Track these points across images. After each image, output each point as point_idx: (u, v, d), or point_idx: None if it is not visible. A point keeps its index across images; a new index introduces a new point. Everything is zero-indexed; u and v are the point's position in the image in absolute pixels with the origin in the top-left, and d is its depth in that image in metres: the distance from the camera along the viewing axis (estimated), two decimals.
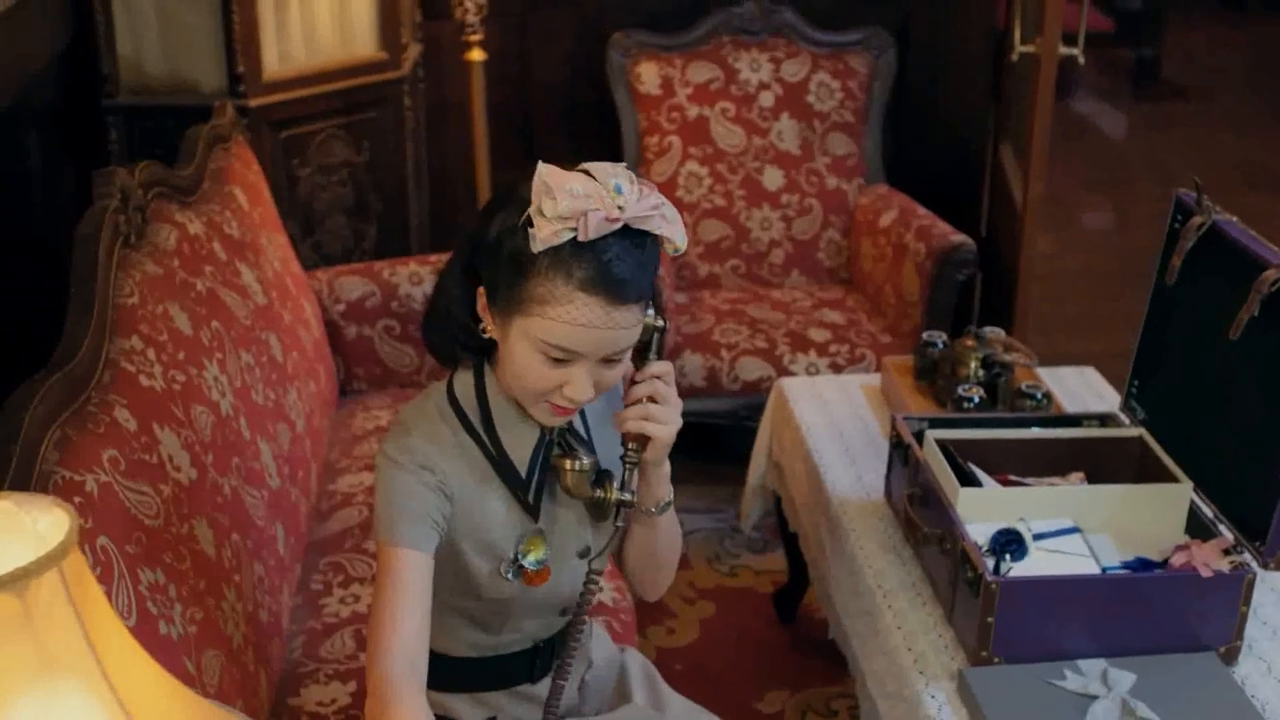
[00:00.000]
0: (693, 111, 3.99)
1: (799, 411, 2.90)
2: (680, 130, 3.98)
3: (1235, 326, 2.11)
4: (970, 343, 2.76)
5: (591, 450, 1.82)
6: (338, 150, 3.60)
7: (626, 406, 1.76)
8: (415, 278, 3.25)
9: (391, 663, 1.65)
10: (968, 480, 2.27)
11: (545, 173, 1.59)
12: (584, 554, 1.85)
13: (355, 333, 3.22)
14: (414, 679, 1.66)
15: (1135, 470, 2.36)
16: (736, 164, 3.99)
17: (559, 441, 1.80)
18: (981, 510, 2.21)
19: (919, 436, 2.39)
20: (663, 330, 1.76)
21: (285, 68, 3.43)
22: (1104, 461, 2.37)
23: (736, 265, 4.01)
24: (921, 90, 4.33)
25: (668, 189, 3.97)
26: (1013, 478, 2.34)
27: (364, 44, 3.62)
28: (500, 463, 1.76)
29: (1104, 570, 2.16)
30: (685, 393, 3.56)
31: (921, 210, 3.81)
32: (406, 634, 1.67)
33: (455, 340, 1.75)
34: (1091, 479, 2.35)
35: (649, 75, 4.00)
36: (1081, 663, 2.04)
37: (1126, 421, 2.48)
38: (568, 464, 1.78)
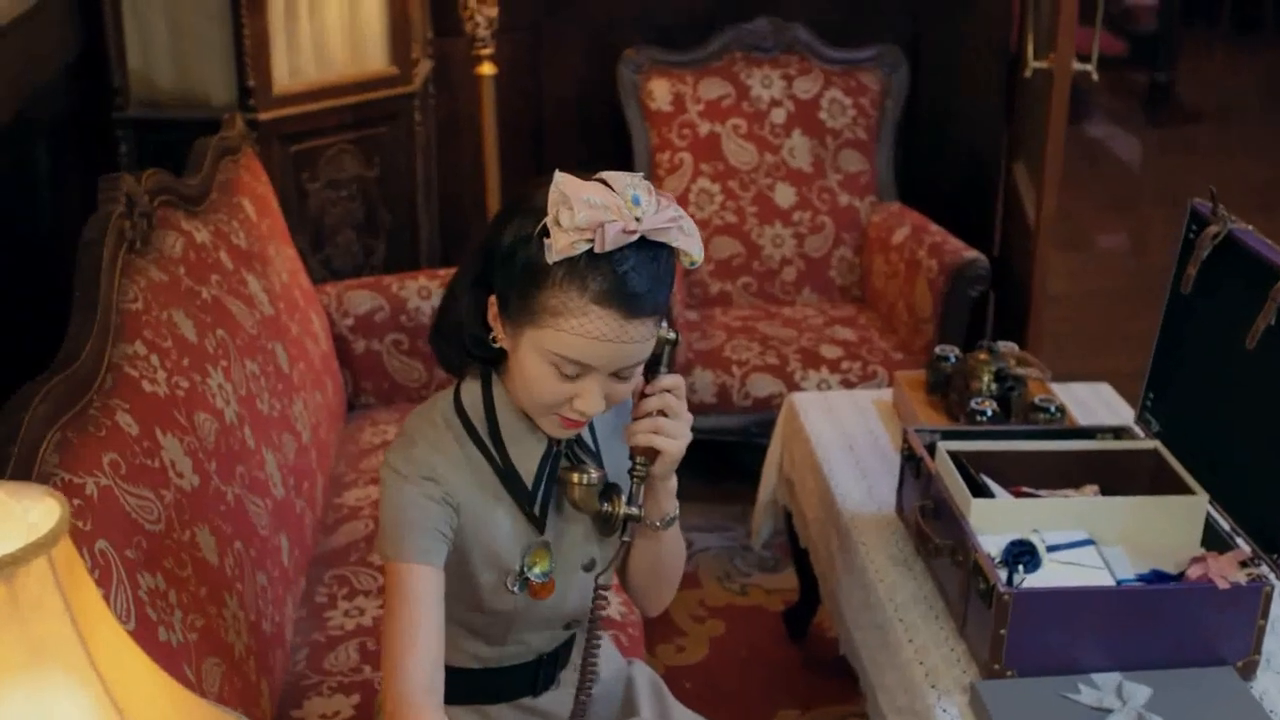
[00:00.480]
0: (704, 128, 3.98)
1: (810, 426, 2.87)
2: (692, 146, 3.97)
3: (1252, 335, 2.08)
4: (983, 356, 2.73)
5: (600, 463, 1.80)
6: (348, 165, 3.59)
7: (636, 420, 1.73)
8: (424, 292, 3.23)
9: (410, 683, 1.62)
10: (980, 491, 2.24)
11: (562, 182, 1.56)
12: (589, 567, 1.82)
13: (364, 347, 3.21)
14: (433, 698, 1.63)
15: (1150, 483, 2.32)
16: (748, 181, 3.98)
17: (567, 454, 1.78)
18: (994, 522, 2.18)
19: (931, 449, 2.36)
20: (674, 343, 1.74)
21: (296, 82, 3.43)
22: (1118, 474, 2.34)
23: (748, 283, 3.99)
24: (934, 108, 4.31)
25: (679, 205, 3.94)
26: (1026, 489, 2.31)
27: (375, 59, 3.61)
28: (507, 474, 1.73)
29: (1119, 583, 2.13)
30: (696, 409, 3.54)
31: (934, 227, 3.79)
32: (423, 652, 1.64)
33: (464, 349, 1.72)
34: (1106, 492, 2.32)
35: (660, 91, 3.99)
36: (1096, 676, 2.01)
37: (1141, 434, 2.45)
38: (575, 477, 1.75)
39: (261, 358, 2.48)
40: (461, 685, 1.84)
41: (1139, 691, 1.97)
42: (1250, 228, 2.22)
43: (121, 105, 3.29)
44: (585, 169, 1.63)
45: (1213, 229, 2.23)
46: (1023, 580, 2.06)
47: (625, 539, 1.76)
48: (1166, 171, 6.93)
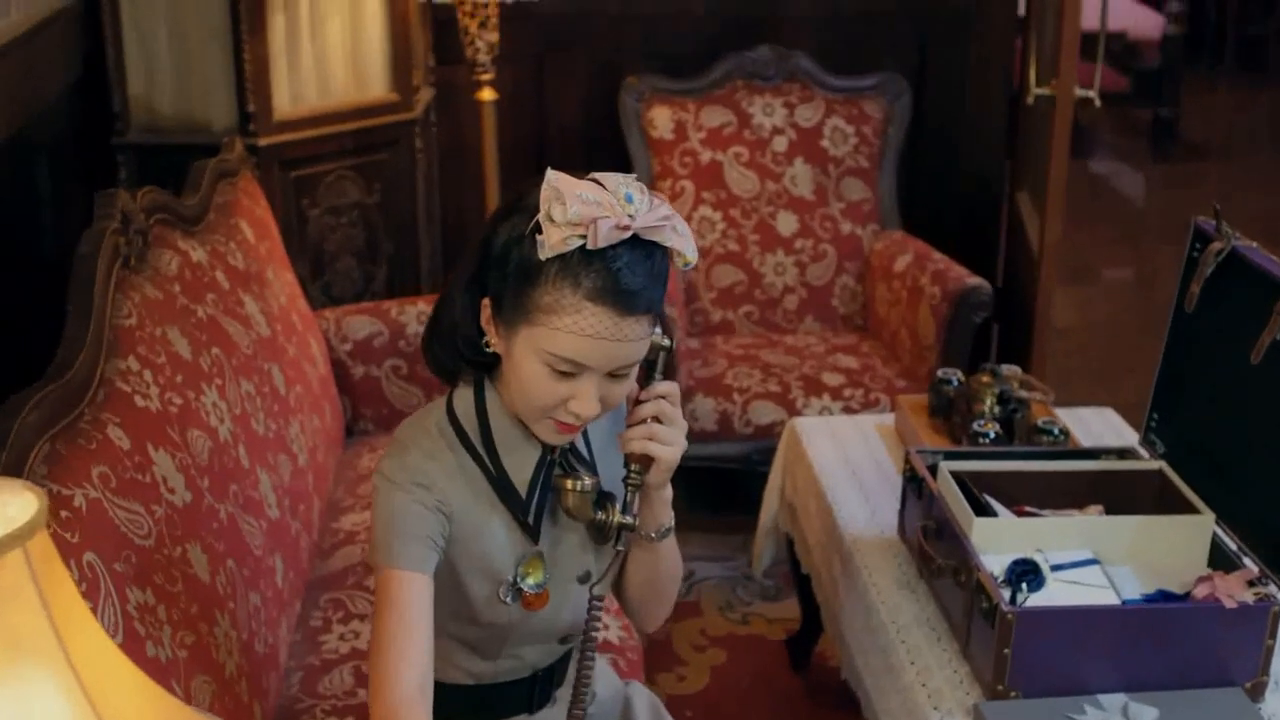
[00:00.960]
0: (706, 156, 3.97)
1: (812, 450, 2.85)
2: (693, 174, 3.96)
3: (1257, 351, 2.06)
4: (986, 379, 2.71)
5: (594, 471, 1.77)
6: (348, 191, 3.58)
7: (630, 426, 1.71)
8: (424, 317, 3.20)
9: (398, 694, 1.59)
10: (983, 511, 2.21)
11: (555, 179, 1.55)
12: (584, 579, 1.79)
13: (362, 372, 3.18)
14: (420, 706, 1.60)
15: (1155, 503, 2.30)
16: (750, 209, 3.97)
17: (561, 462, 1.75)
18: (997, 541, 2.15)
19: (933, 470, 2.34)
20: (669, 349, 1.72)
21: (297, 107, 3.42)
22: (1123, 494, 2.31)
23: (750, 311, 3.97)
24: (937, 137, 4.30)
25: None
26: (1029, 509, 2.28)
27: (376, 85, 3.61)
28: (500, 482, 1.71)
29: (1124, 602, 2.09)
30: (697, 437, 3.53)
31: (937, 254, 3.77)
32: (411, 663, 1.61)
33: (458, 354, 1.70)
34: (1110, 512, 2.29)
35: (662, 119, 3.98)
36: (1102, 697, 1.97)
37: (1146, 456, 2.42)
38: (569, 484, 1.72)
39: (257, 378, 2.46)
40: (456, 702, 1.81)
41: (1145, 713, 1.94)
42: (1254, 244, 2.20)
43: (122, 130, 3.28)
44: None
45: (1216, 246, 2.22)
46: (1026, 599, 2.03)
47: (619, 549, 1.73)
48: (1171, 206, 6.92)
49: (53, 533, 1.60)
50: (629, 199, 1.56)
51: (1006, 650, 1.96)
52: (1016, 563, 2.08)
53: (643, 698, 2.05)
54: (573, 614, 1.79)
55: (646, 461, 1.70)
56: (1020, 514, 2.27)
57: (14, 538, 0.98)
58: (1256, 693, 2.01)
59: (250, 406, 2.37)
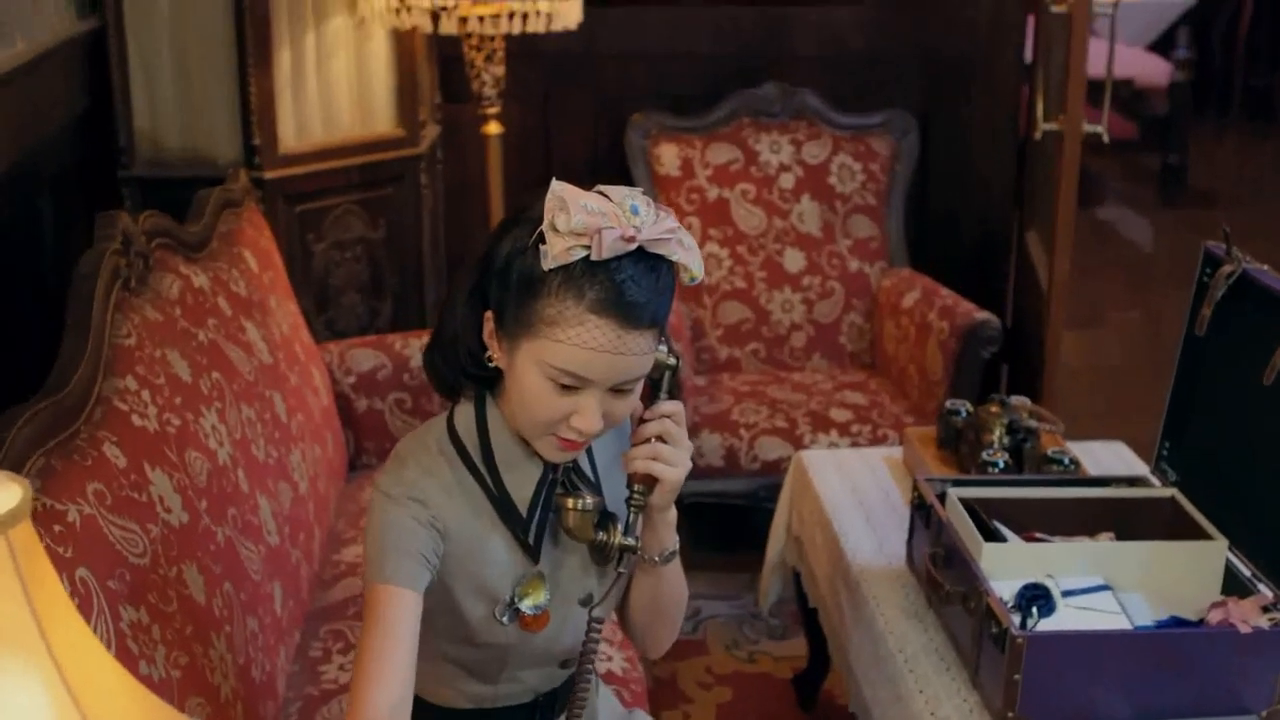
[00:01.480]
0: (712, 193, 3.96)
1: (819, 482, 2.81)
2: (700, 211, 3.95)
3: (1270, 371, 2.03)
4: (995, 409, 2.68)
5: (598, 492, 1.74)
6: (354, 226, 3.58)
7: (634, 446, 1.68)
8: None
9: (372, 709, 1.55)
10: (992, 537, 2.18)
11: (559, 189, 1.53)
12: (586, 602, 1.75)
13: (366, 405, 3.16)
14: None
15: (1167, 531, 2.26)
16: (757, 246, 3.95)
17: (564, 481, 1.72)
18: (1007, 567, 2.11)
19: (942, 499, 2.30)
20: (675, 368, 1.69)
21: (302, 141, 3.41)
22: (1135, 522, 2.28)
23: (757, 349, 3.95)
24: (945, 175, 4.30)
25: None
26: (1039, 535, 2.24)
27: (382, 120, 3.61)
28: (500, 500, 1.68)
29: (1136, 628, 2.05)
30: (703, 473, 3.50)
31: (945, 290, 3.75)
32: (386, 683, 1.57)
33: (460, 368, 1.67)
34: (1122, 540, 2.25)
35: (668, 156, 3.97)
36: None
37: (1157, 484, 2.39)
38: (570, 503, 1.69)
39: (259, 404, 2.44)
40: None
41: None
42: (1265, 267, 2.17)
43: (127, 163, 3.27)
44: None
45: (1227, 268, 2.19)
46: (1036, 624, 1.99)
47: (621, 570, 1.70)
48: (1180, 252, 6.89)
49: (45, 546, 1.57)
50: (634, 210, 1.54)
51: (1016, 676, 1.92)
52: (1027, 587, 2.04)
53: None
54: (573, 637, 1.75)
55: (650, 482, 1.67)
56: (1030, 540, 2.23)
57: None
58: None
59: (251, 432, 2.35)
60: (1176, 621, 2.07)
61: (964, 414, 2.75)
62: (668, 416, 1.67)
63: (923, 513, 2.34)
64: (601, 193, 1.55)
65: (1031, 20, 4.31)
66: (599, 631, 1.71)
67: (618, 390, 1.58)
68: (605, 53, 4.15)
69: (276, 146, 3.33)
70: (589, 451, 1.77)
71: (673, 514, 1.74)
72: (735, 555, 3.66)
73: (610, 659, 2.43)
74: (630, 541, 1.68)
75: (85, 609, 1.59)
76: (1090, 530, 2.28)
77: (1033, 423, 2.65)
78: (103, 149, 3.26)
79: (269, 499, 2.34)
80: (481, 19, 3.35)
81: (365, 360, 3.18)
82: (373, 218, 3.62)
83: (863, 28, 4.19)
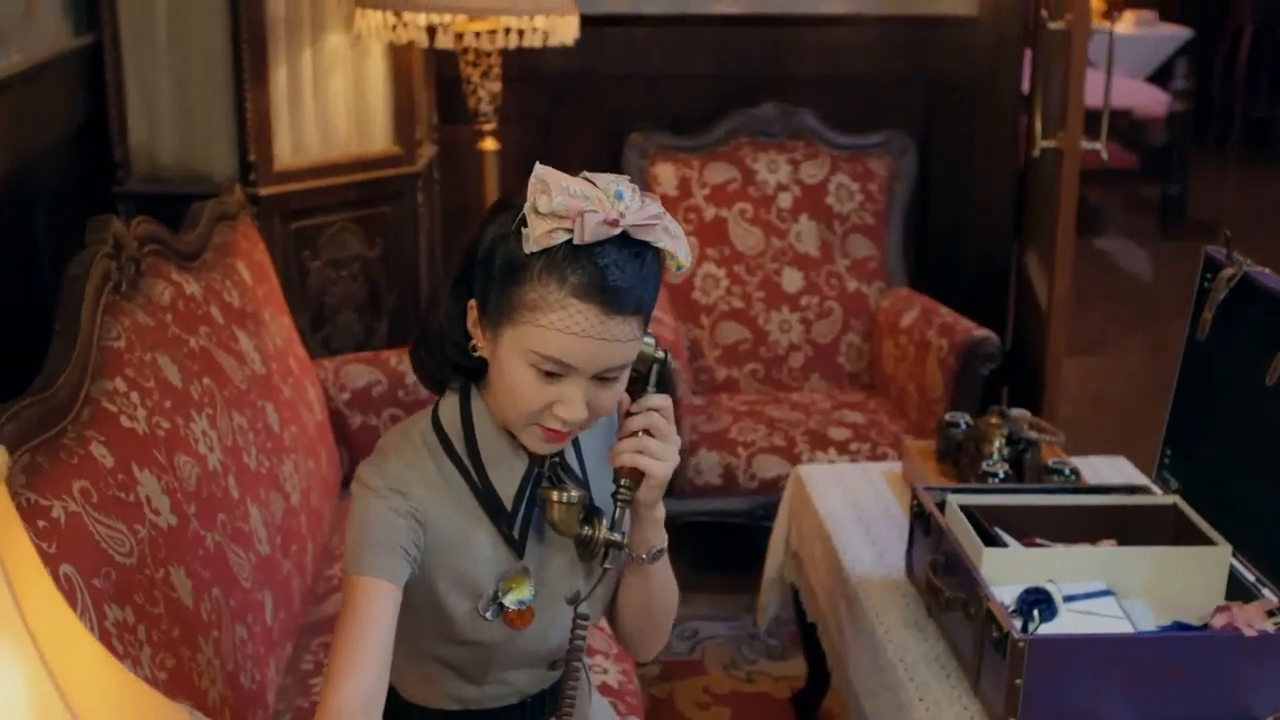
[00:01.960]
0: (710, 212, 3.95)
1: (818, 496, 2.79)
2: (698, 231, 3.93)
3: (1272, 371, 2.00)
4: (995, 420, 2.65)
5: (584, 487, 1.71)
6: (350, 244, 3.56)
7: (620, 439, 1.65)
8: None
9: (343, 700, 1.52)
10: (993, 543, 2.15)
11: (542, 172, 1.51)
12: (574, 601, 1.72)
13: (360, 422, 3.13)
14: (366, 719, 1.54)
15: (1170, 538, 2.23)
16: (755, 265, 3.93)
17: (550, 476, 1.69)
18: (1007, 572, 2.08)
19: (941, 506, 2.28)
20: (663, 362, 1.67)
21: (298, 158, 3.40)
22: (1137, 530, 2.25)
23: (755, 369, 3.92)
24: (943, 195, 4.29)
25: (684, 290, 3.91)
26: (1040, 541, 2.21)
27: (379, 138, 3.59)
28: (485, 494, 1.65)
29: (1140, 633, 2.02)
30: (700, 491, 3.48)
31: (944, 309, 3.73)
32: (358, 674, 1.53)
33: (446, 360, 1.65)
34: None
35: (666, 176, 3.96)
36: None
37: (1159, 493, 2.36)
38: (555, 495, 1.65)
39: (250, 413, 2.41)
40: None
41: None
42: (1266, 270, 2.16)
43: (122, 178, 3.26)
44: None
45: (1228, 271, 2.18)
46: (1038, 627, 1.96)
47: (606, 566, 1.66)
48: (1180, 281, 6.87)
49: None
50: (619, 196, 1.51)
51: (1018, 681, 1.88)
52: (1028, 591, 2.01)
53: None
54: (560, 637, 1.71)
55: (637, 476, 1.64)
56: (1031, 546, 2.20)
57: None
58: None
59: (242, 440, 2.32)
60: (1180, 627, 2.04)
61: (963, 426, 2.72)
62: (655, 410, 1.64)
63: (922, 521, 2.31)
64: (587, 178, 1.53)
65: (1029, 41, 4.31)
66: (585, 629, 1.67)
67: (602, 379, 1.56)
68: (604, 73, 4.14)
69: (273, 163, 3.31)
70: (577, 447, 1.74)
71: (661, 511, 1.71)
72: (733, 576, 3.63)
73: (606, 671, 2.40)
74: (616, 537, 1.65)
75: (69, 605, 1.56)
76: (1092, 538, 2.26)
77: (1033, 434, 2.62)
78: (98, 164, 3.24)
79: (260, 507, 2.31)
80: (478, 34, 3.35)
81: (360, 376, 3.15)
82: (369, 236, 3.60)
83: (862, 48, 4.19)
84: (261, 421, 2.46)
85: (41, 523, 1.60)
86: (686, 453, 3.47)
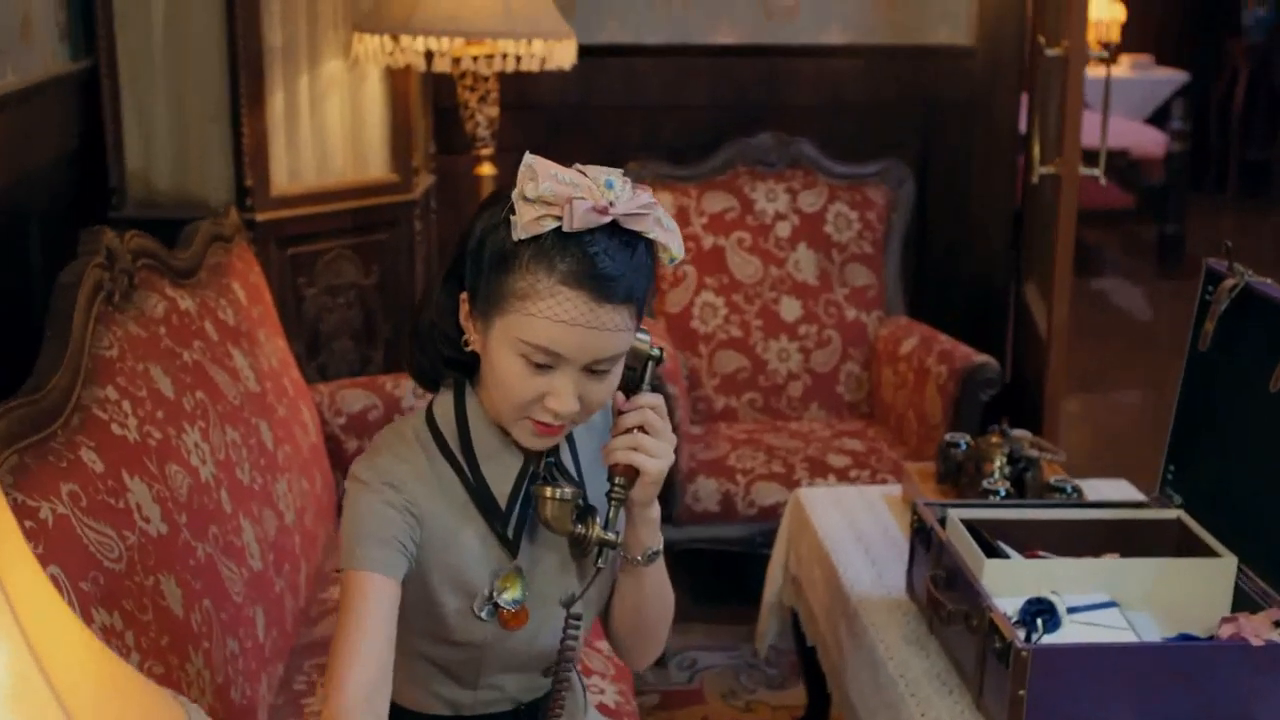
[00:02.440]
0: (708, 241, 3.93)
1: (817, 518, 2.76)
2: (696, 259, 3.92)
3: (1275, 379, 1.98)
4: (995, 439, 2.63)
5: (577, 484, 1.69)
6: (346, 271, 3.54)
7: (614, 437, 1.63)
8: (419, 391, 3.14)
9: (347, 697, 1.50)
10: (995, 555, 2.12)
11: (532, 160, 1.51)
12: (568, 603, 1.69)
13: (356, 446, 3.11)
14: (370, 714, 1.51)
15: (1174, 552, 2.20)
16: (753, 294, 3.92)
17: (544, 474, 1.67)
18: (1009, 584, 2.05)
19: (942, 522, 2.25)
20: (657, 360, 1.65)
21: (294, 184, 3.39)
22: (1141, 543, 2.22)
23: (753, 398, 3.90)
24: (941, 223, 4.28)
25: (683, 319, 3.89)
26: (1043, 553, 2.18)
27: (376, 165, 3.58)
28: (478, 492, 1.63)
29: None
30: (699, 518, 3.45)
31: (943, 336, 3.71)
32: (360, 669, 1.51)
33: (439, 355, 1.64)
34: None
35: (664, 205, 3.92)
36: None
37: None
38: (548, 492, 1.63)
39: (244, 429, 2.39)
40: None
41: None
42: (1268, 280, 2.14)
43: (118, 204, 3.25)
44: None
45: (1230, 282, 2.16)
46: (1041, 637, 1.93)
47: (600, 565, 1.64)
48: (1179, 320, 6.86)
49: None
50: (609, 185, 1.51)
51: (1021, 692, 1.85)
52: (1031, 602, 1.98)
53: None
54: (553, 640, 1.69)
55: (631, 474, 1.62)
56: (1033, 558, 2.17)
57: None
58: None
59: (235, 455, 2.30)
60: (1185, 639, 2.01)
61: (964, 446, 2.70)
62: (650, 407, 1.63)
63: (922, 536, 2.28)
64: (579, 169, 1.53)
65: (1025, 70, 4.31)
66: (578, 630, 1.65)
67: (593, 371, 1.54)
68: (602, 103, 4.14)
69: (269, 188, 3.30)
70: (572, 447, 1.72)
71: (655, 511, 1.69)
72: (732, 605, 3.60)
73: (603, 691, 2.36)
74: (610, 536, 1.63)
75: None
76: (1095, 553, 2.23)
77: (1034, 452, 2.60)
78: (94, 189, 3.23)
79: (253, 523, 2.29)
80: (475, 59, 3.35)
81: (356, 401, 3.13)
82: (365, 263, 3.58)
83: (860, 78, 4.20)
84: (255, 438, 2.43)
85: (29, 523, 1.58)
86: (684, 480, 3.44)
